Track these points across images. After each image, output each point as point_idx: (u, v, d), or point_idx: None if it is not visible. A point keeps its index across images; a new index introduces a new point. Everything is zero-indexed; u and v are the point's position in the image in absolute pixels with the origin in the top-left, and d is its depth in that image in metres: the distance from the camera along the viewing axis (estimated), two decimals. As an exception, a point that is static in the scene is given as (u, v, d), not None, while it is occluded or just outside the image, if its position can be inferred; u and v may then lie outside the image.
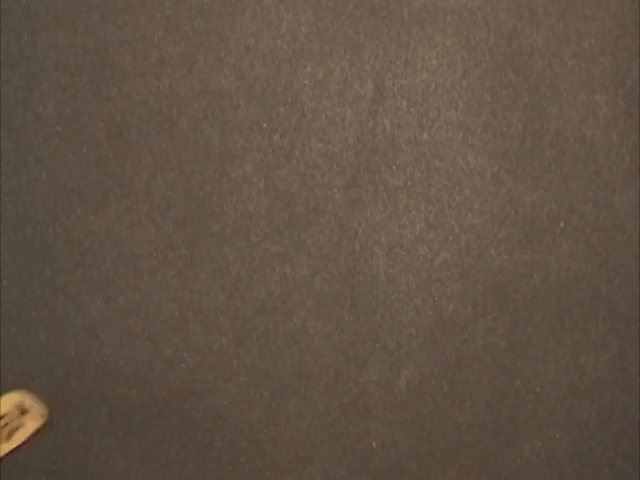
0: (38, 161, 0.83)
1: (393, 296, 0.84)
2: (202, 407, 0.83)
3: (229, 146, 0.83)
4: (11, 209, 0.83)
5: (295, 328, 0.84)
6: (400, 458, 0.85)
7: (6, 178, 0.83)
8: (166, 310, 0.83)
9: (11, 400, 0.80)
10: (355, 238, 0.84)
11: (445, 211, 0.84)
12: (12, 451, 0.78)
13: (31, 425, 0.79)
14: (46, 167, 0.83)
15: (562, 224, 0.85)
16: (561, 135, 0.85)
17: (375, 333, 0.84)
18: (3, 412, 0.79)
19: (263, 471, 0.84)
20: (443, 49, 0.84)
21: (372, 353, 0.84)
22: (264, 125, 0.84)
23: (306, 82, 0.84)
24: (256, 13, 0.84)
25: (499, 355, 0.84)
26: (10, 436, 0.79)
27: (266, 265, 0.83)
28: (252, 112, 0.84)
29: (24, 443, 0.79)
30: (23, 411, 0.79)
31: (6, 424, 0.78)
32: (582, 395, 0.85)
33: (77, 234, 0.83)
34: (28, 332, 0.83)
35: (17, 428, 0.79)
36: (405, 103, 0.84)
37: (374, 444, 0.85)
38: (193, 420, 0.83)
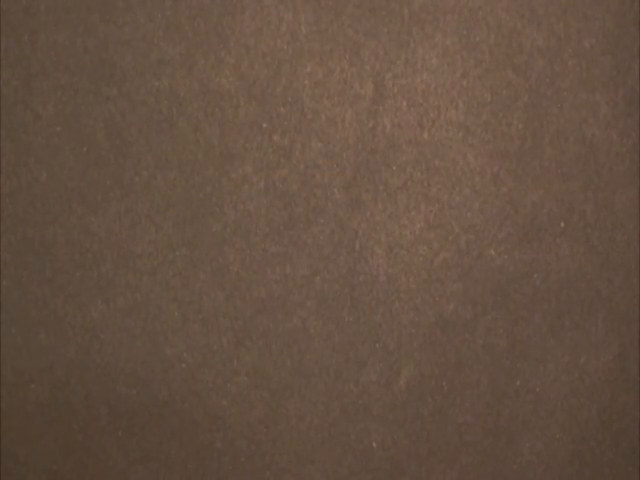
0: (38, 161, 0.83)
1: (393, 296, 0.84)
2: (202, 407, 0.83)
3: (229, 146, 0.83)
4: (11, 209, 0.83)
5: (295, 328, 0.84)
6: (400, 458, 0.85)
7: (6, 178, 0.83)
8: (166, 310, 0.83)
9: None
10: (355, 238, 0.84)
11: (445, 211, 0.84)
12: None
13: None
14: (46, 167, 0.83)
15: (562, 224, 0.85)
16: (561, 135, 0.85)
17: (375, 333, 0.84)
18: None
19: (263, 471, 0.84)
20: (443, 49, 0.84)
21: (372, 353, 0.84)
22: (264, 125, 0.84)
23: (306, 82, 0.84)
24: (256, 13, 0.84)
25: (499, 355, 0.84)
26: None
27: (266, 265, 0.83)
28: (252, 112, 0.84)
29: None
30: None
31: None
32: (582, 395, 0.85)
33: (77, 234, 0.83)
34: (28, 332, 0.83)
35: None
36: (405, 103, 0.84)
37: (374, 444, 0.85)
38: (193, 420, 0.83)
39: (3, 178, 0.83)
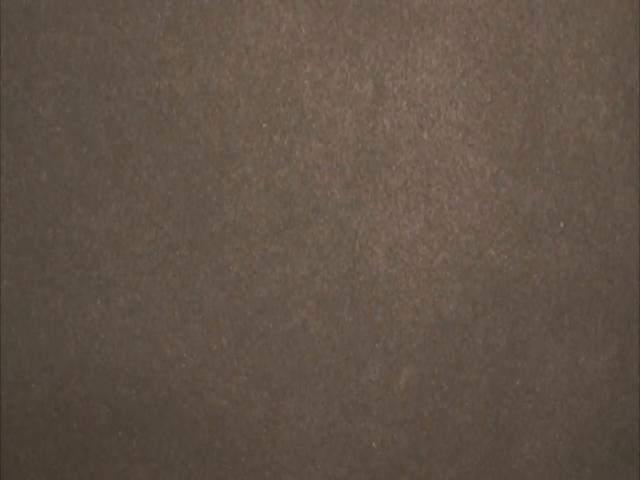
0: (38, 161, 0.83)
1: (393, 296, 0.84)
2: (202, 407, 0.83)
3: (229, 146, 0.83)
4: (11, 209, 0.83)
5: (295, 328, 0.84)
6: (400, 458, 0.85)
7: (6, 178, 0.83)
8: (166, 310, 0.83)
9: None
10: (355, 238, 0.84)
11: (445, 211, 0.84)
12: None
13: None
14: (46, 167, 0.83)
15: (562, 224, 0.85)
16: (561, 135, 0.85)
17: (375, 333, 0.84)
18: None
19: (263, 471, 0.84)
20: (443, 49, 0.84)
21: (372, 353, 0.84)
22: (264, 125, 0.84)
23: (306, 82, 0.84)
24: (256, 13, 0.84)
25: (499, 355, 0.84)
26: None
27: (266, 265, 0.83)
28: (252, 112, 0.84)
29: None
30: None
31: None
32: (582, 395, 0.85)
33: (77, 234, 0.83)
34: (28, 332, 0.83)
35: None
36: (405, 103, 0.84)
37: (374, 444, 0.85)
38: (193, 420, 0.83)
39: (3, 178, 0.83)
